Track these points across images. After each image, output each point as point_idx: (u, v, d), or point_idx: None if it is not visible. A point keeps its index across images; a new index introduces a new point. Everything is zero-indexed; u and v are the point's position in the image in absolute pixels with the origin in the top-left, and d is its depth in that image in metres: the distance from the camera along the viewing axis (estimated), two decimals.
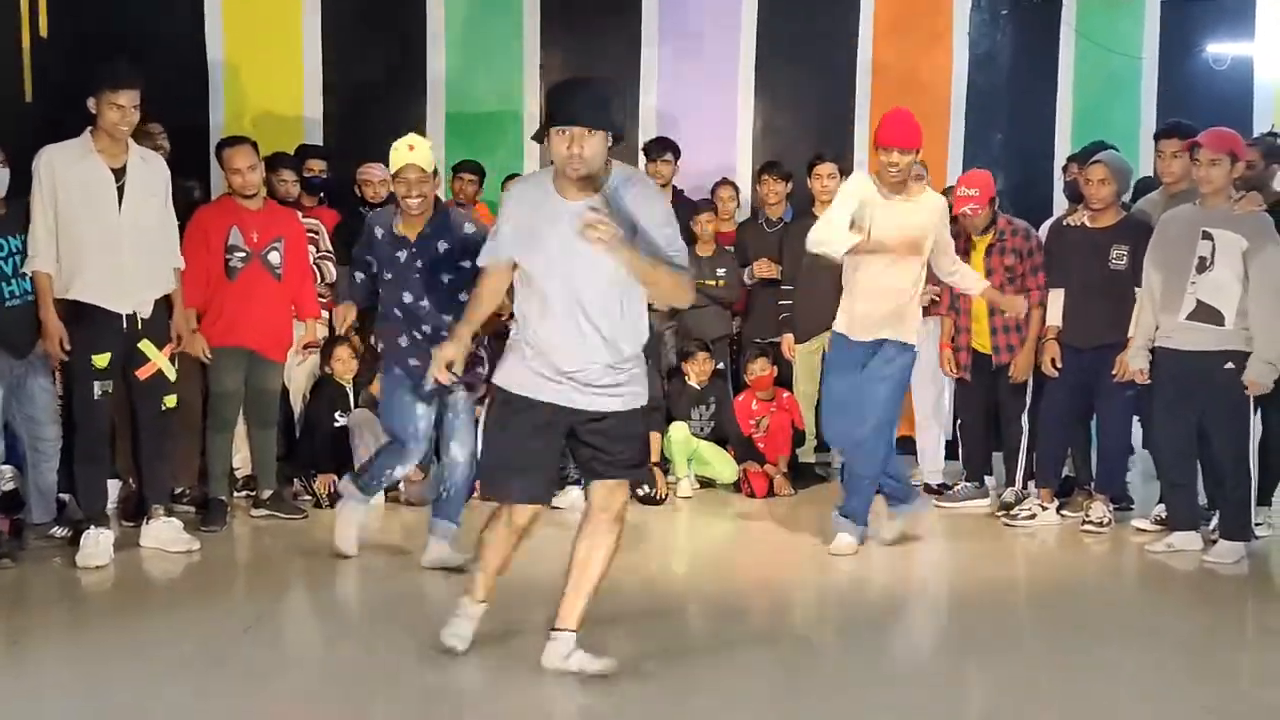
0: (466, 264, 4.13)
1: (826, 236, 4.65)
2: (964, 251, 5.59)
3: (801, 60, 7.35)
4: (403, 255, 4.32)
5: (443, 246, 4.29)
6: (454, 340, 3.38)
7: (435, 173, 4.33)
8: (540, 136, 3.24)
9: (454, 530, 4.51)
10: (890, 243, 4.61)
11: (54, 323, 4.43)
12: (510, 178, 6.50)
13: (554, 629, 3.35)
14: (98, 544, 4.47)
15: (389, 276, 4.37)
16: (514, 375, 3.31)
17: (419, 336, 4.33)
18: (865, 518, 4.89)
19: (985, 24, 7.48)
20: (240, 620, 3.91)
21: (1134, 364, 4.92)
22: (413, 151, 4.25)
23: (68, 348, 4.46)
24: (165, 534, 4.67)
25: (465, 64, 7.24)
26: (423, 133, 7.22)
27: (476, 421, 4.39)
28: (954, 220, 5.54)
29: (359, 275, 4.60)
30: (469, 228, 4.32)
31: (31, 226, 4.43)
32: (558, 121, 3.12)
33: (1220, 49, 7.42)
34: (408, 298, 4.32)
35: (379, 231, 4.40)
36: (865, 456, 4.77)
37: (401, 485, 5.83)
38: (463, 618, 3.51)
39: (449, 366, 3.32)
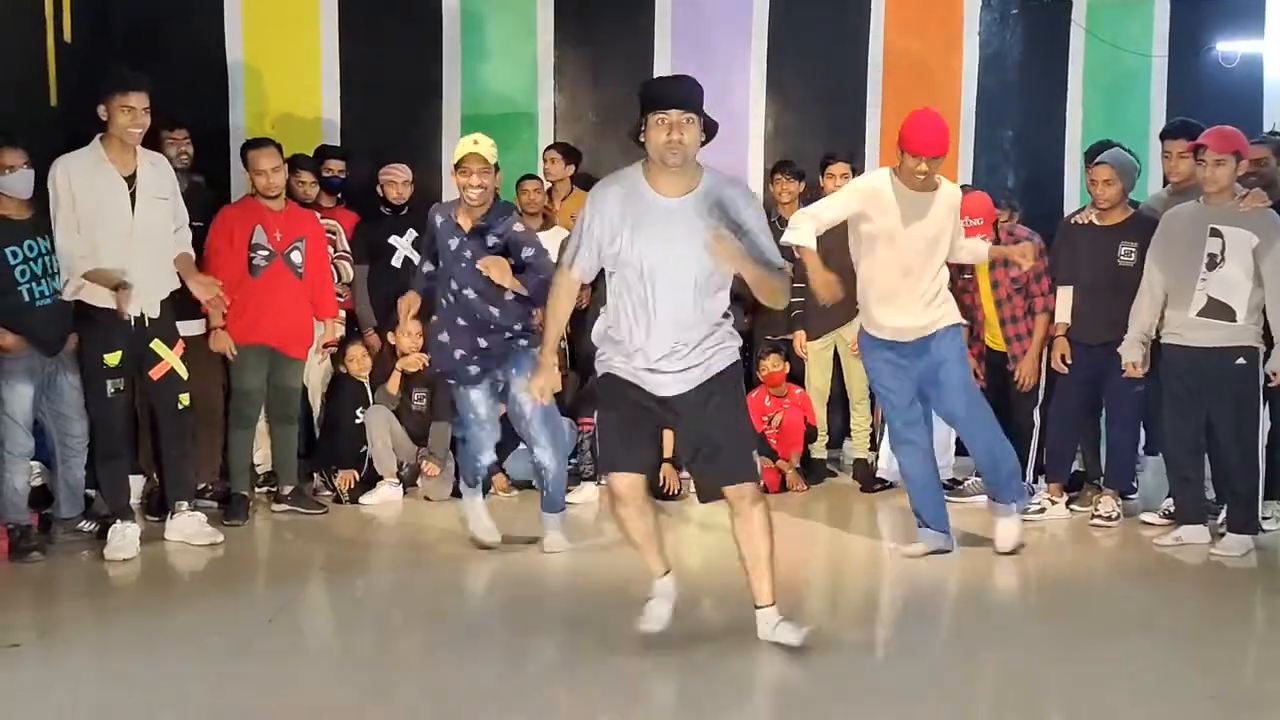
0: (512, 261, 4.42)
1: (798, 223, 4.56)
2: (968, 269, 5.67)
3: (813, 60, 7.39)
4: (454, 243, 4.51)
5: (492, 240, 4.47)
6: (545, 369, 3.57)
7: (497, 167, 4.55)
8: (636, 131, 3.33)
9: (563, 516, 4.83)
10: (906, 248, 4.53)
11: (114, 280, 4.51)
12: (526, 178, 6.59)
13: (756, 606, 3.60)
14: (124, 537, 4.57)
15: (441, 264, 4.58)
16: (614, 364, 3.50)
17: (463, 324, 4.52)
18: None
19: (995, 23, 7.52)
20: (263, 612, 4.00)
21: (1128, 355, 4.96)
22: (477, 145, 4.49)
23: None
24: (190, 527, 4.77)
25: (481, 66, 7.32)
26: (439, 134, 7.36)
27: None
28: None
29: (428, 266, 4.74)
30: (518, 227, 4.54)
31: (59, 245, 4.51)
32: (659, 107, 3.22)
33: (1230, 47, 7.43)
34: (454, 285, 4.50)
35: (439, 219, 4.58)
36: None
37: (420, 481, 5.93)
38: (657, 598, 3.66)
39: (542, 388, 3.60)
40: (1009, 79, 7.52)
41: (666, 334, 3.39)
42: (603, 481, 6.04)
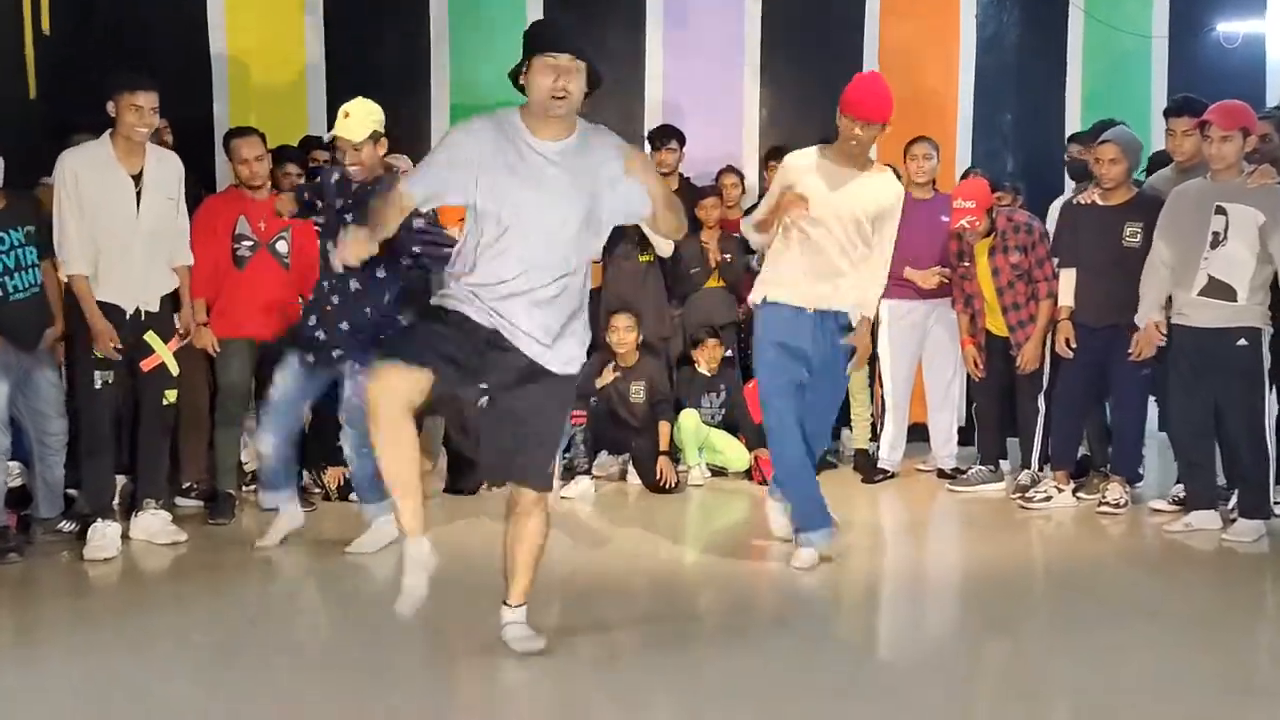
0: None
1: (748, 234, 4.52)
2: (967, 256, 5.57)
3: (807, 45, 7.28)
4: (340, 202, 4.34)
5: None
6: (356, 238, 3.15)
7: (377, 138, 4.33)
8: (516, 73, 3.04)
9: (381, 506, 4.44)
10: (828, 220, 4.14)
11: (101, 323, 4.47)
12: None
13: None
14: (105, 536, 4.45)
15: (323, 221, 4.39)
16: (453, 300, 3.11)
17: (336, 301, 4.35)
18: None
19: (992, 5, 7.41)
20: (247, 612, 3.87)
21: (1152, 317, 4.80)
22: (347, 118, 4.31)
23: (119, 346, 4.50)
24: (153, 525, 4.66)
25: (469, 54, 7.20)
26: (427, 124, 7.24)
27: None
28: (955, 236, 5.53)
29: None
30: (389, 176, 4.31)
31: (60, 232, 4.45)
32: (545, 49, 2.94)
33: (1231, 27, 7.34)
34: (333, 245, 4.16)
35: (334, 175, 4.42)
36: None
37: None
38: (413, 563, 3.16)
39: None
40: (1007, 62, 7.41)
41: (519, 287, 3.05)
42: (596, 473, 6.00)
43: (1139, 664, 3.38)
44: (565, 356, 3.16)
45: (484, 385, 3.14)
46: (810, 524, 4.29)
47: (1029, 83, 7.37)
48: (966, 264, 5.60)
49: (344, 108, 4.34)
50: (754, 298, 4.34)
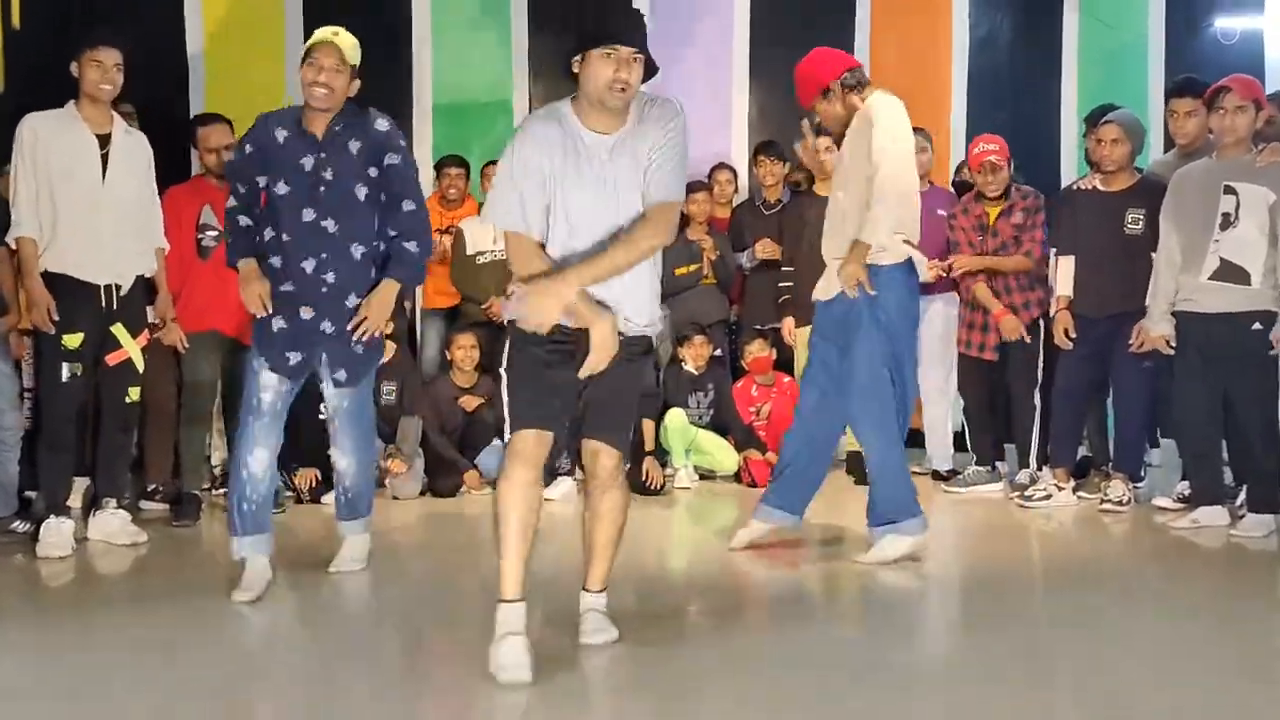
0: (375, 173, 3.59)
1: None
2: (981, 215, 5.40)
3: (797, 42, 7.09)
4: (309, 161, 3.54)
5: (355, 145, 3.58)
6: (565, 280, 2.86)
7: (355, 72, 3.60)
8: (569, 63, 2.87)
9: (366, 522, 4.02)
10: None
11: (40, 291, 4.23)
12: (489, 163, 6.30)
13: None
14: (59, 533, 4.24)
15: (285, 190, 3.55)
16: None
17: (308, 274, 3.56)
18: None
19: (985, 4, 7.29)
20: (201, 614, 3.65)
21: (1156, 330, 4.66)
22: (337, 36, 3.58)
23: (55, 318, 4.24)
24: (112, 525, 4.45)
25: (453, 53, 7.08)
26: (409, 124, 7.09)
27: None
28: (969, 184, 5.38)
29: (241, 219, 3.70)
30: (382, 124, 3.65)
31: (13, 194, 4.28)
32: (609, 41, 2.79)
33: (1229, 23, 7.23)
34: (309, 215, 3.54)
35: (280, 133, 3.56)
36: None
37: (387, 480, 5.61)
38: (511, 638, 2.91)
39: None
40: (1000, 60, 7.30)
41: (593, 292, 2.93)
42: (580, 476, 5.79)
43: (1147, 657, 3.18)
44: (640, 319, 3.02)
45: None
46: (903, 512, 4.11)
47: (1024, 80, 7.26)
48: (981, 237, 5.42)
49: (332, 28, 3.64)
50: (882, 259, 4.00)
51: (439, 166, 6.38)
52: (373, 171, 3.62)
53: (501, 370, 3.07)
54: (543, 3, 7.08)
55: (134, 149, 4.46)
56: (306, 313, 3.62)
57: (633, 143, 2.92)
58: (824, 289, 4.17)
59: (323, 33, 3.63)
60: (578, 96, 2.92)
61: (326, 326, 3.64)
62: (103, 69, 4.26)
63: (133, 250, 4.44)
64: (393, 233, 3.68)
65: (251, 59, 6.97)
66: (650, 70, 2.91)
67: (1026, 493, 5.13)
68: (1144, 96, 7.12)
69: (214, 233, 4.96)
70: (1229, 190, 4.41)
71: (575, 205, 2.91)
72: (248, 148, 3.69)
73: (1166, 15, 7.26)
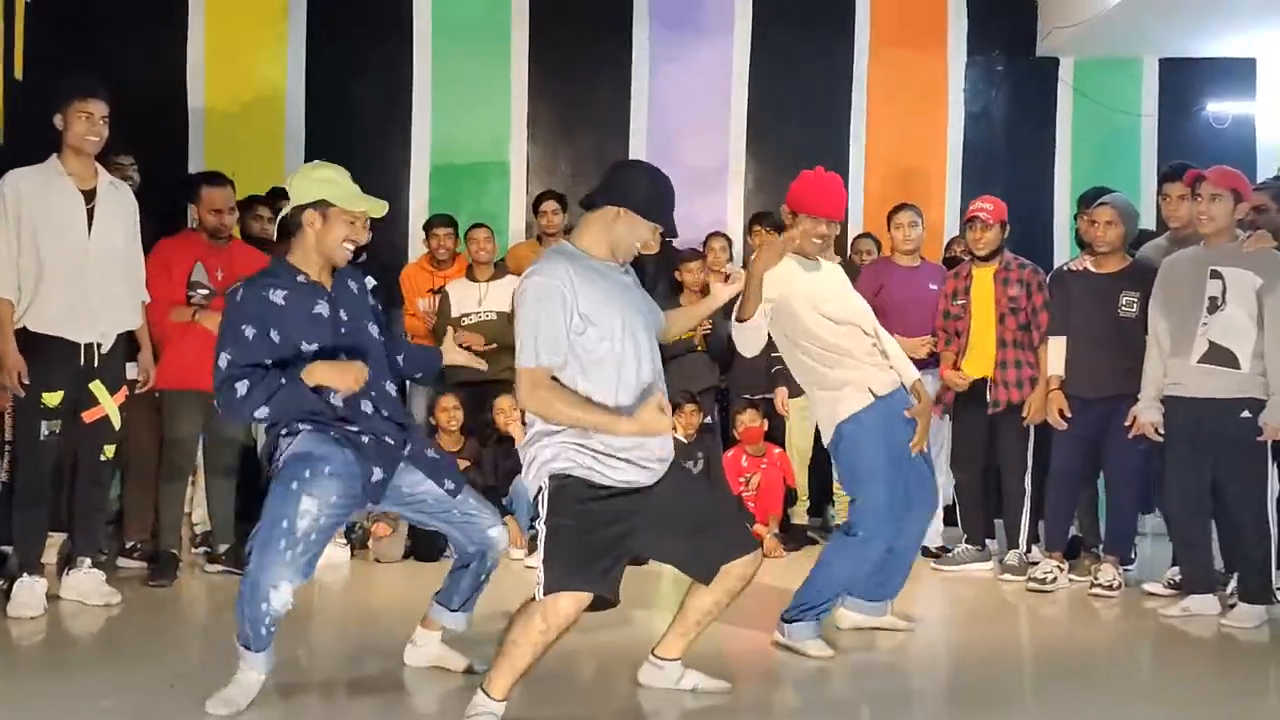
0: (373, 303, 3.51)
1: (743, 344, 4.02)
2: (966, 278, 5.38)
3: (795, 116, 7.24)
4: (324, 309, 3.30)
5: (354, 285, 3.43)
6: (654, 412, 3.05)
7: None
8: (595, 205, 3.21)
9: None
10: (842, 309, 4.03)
11: (13, 355, 4.16)
12: (475, 227, 6.28)
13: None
14: (31, 593, 4.17)
15: (312, 348, 3.24)
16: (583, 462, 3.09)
17: (369, 414, 3.32)
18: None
19: (981, 81, 7.39)
20: (173, 678, 3.57)
21: (1145, 417, 4.65)
22: (381, 209, 3.40)
23: (26, 381, 4.18)
24: (86, 585, 4.37)
25: (451, 112, 7.13)
26: (407, 182, 7.12)
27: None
28: (959, 237, 5.39)
29: (241, 386, 3.20)
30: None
31: None
32: (661, 224, 3.20)
33: (1221, 108, 7.32)
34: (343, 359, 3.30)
35: (278, 295, 3.24)
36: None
37: (370, 543, 5.54)
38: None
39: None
40: (995, 136, 7.38)
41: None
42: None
43: None
44: (668, 446, 3.23)
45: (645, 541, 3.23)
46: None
47: (1018, 158, 7.33)
48: (960, 301, 5.39)
49: (350, 181, 3.39)
50: (844, 412, 3.98)
51: (428, 227, 6.33)
52: (372, 302, 3.53)
53: (542, 523, 3.09)
54: (544, 67, 7.15)
55: (119, 202, 4.40)
56: (389, 439, 3.36)
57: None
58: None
59: (356, 190, 3.34)
60: (579, 236, 3.23)
61: (407, 448, 3.41)
62: (91, 121, 4.20)
63: (118, 304, 4.39)
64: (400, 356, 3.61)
65: (252, 114, 7.02)
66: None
67: (1038, 577, 5.03)
68: (1136, 178, 7.18)
69: (204, 291, 4.92)
70: (1215, 275, 4.43)
71: (608, 324, 3.11)
72: (247, 330, 3.21)
73: (1159, 98, 7.35)
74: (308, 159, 6.82)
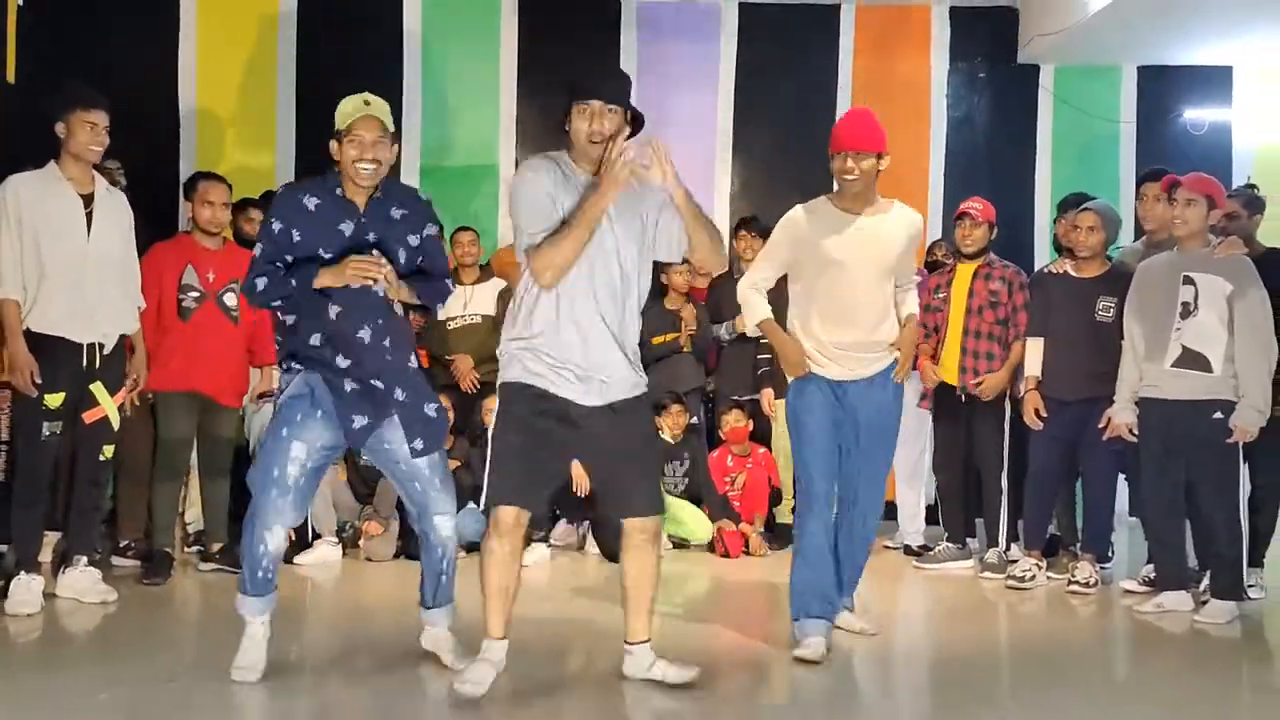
0: (415, 241, 3.51)
1: (747, 301, 4.13)
2: (950, 273, 5.49)
3: (778, 120, 7.33)
4: (348, 227, 3.41)
5: (398, 212, 3.49)
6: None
7: (394, 140, 3.49)
8: (562, 120, 3.29)
9: (452, 609, 3.75)
10: (854, 265, 3.91)
11: (24, 354, 4.24)
12: (460, 230, 6.35)
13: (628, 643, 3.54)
14: (29, 590, 4.23)
15: (329, 257, 3.38)
16: (525, 370, 3.31)
17: (367, 343, 3.40)
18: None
19: (964, 87, 7.50)
20: (168, 675, 3.64)
21: (1120, 418, 4.77)
22: (369, 105, 3.42)
23: (38, 380, 4.26)
24: (82, 583, 4.43)
25: (441, 117, 7.21)
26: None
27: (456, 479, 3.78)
28: (940, 241, 5.47)
29: (260, 280, 3.41)
30: (423, 195, 3.69)
31: None
32: (582, 96, 3.21)
33: (1198, 114, 7.45)
34: (353, 284, 3.38)
35: (310, 201, 3.40)
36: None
37: (362, 541, 5.61)
38: (483, 661, 3.34)
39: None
40: (977, 142, 7.48)
41: (595, 325, 3.29)
42: (554, 541, 5.82)
43: None
44: (629, 381, 3.35)
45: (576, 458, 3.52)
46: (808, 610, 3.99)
47: (999, 165, 7.43)
48: (941, 295, 5.50)
49: (360, 95, 3.48)
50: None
51: None
52: (413, 239, 3.53)
53: (490, 435, 3.33)
54: (532, 69, 7.23)
55: (116, 207, 4.49)
56: (378, 383, 3.44)
57: (624, 197, 3.27)
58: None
59: (356, 105, 3.43)
60: (570, 149, 3.33)
61: (399, 394, 3.47)
62: (95, 131, 4.30)
63: (117, 308, 4.46)
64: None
65: (243, 117, 7.08)
66: (638, 123, 3.32)
67: (1017, 575, 5.14)
68: (1115, 183, 7.31)
69: (195, 294, 4.98)
70: (1188, 280, 4.54)
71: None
72: (275, 225, 3.41)
73: (1138, 105, 7.47)
74: (298, 162, 7.00)
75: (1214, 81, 7.44)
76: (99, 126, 4.31)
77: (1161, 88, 7.44)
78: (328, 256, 3.40)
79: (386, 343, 3.46)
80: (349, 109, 3.44)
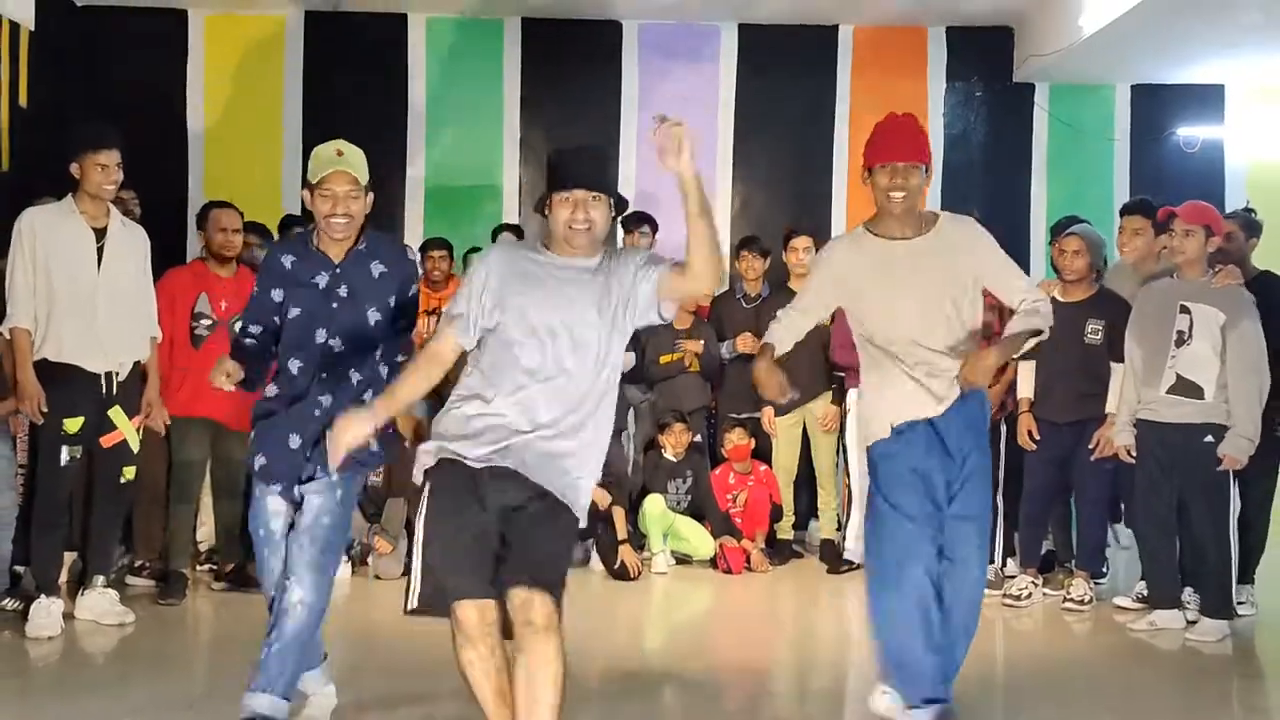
0: (394, 302, 3.36)
1: (777, 335, 3.67)
2: None
3: (779, 138, 7.44)
4: (323, 280, 3.32)
5: (379, 269, 3.34)
6: (368, 414, 2.91)
7: (368, 190, 3.31)
8: (541, 206, 2.95)
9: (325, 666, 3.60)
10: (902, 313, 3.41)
11: (32, 383, 4.35)
12: (472, 251, 6.48)
13: None
14: (49, 614, 4.33)
15: (295, 313, 3.32)
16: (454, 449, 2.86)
17: (316, 396, 3.29)
18: None
19: (960, 105, 7.60)
20: (190, 696, 3.75)
21: (1119, 440, 4.86)
22: (341, 157, 3.25)
23: (44, 409, 4.37)
24: (100, 605, 4.53)
25: (446, 138, 7.32)
26: (402, 207, 7.31)
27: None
28: None
29: (254, 328, 3.40)
30: (411, 255, 3.54)
31: (9, 285, 4.40)
32: (563, 186, 2.86)
33: (1191, 132, 7.55)
34: (320, 336, 3.30)
35: (287, 260, 3.36)
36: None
37: (370, 559, 5.71)
38: None
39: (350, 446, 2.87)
40: (973, 159, 7.58)
41: (541, 405, 2.84)
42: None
43: None
44: (568, 494, 2.89)
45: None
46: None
47: (995, 181, 7.53)
48: None
49: (333, 144, 3.31)
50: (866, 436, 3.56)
51: (423, 249, 6.49)
52: (392, 300, 3.37)
53: (418, 522, 2.87)
54: (536, 91, 7.34)
55: (129, 241, 4.60)
56: (294, 441, 3.30)
57: (604, 275, 2.92)
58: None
59: (327, 155, 3.27)
60: (547, 239, 2.98)
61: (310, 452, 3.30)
62: (107, 171, 4.41)
63: (128, 339, 4.57)
64: (400, 358, 3.46)
65: (251, 140, 7.18)
66: (621, 206, 2.97)
67: (1013, 593, 5.23)
68: (1109, 200, 7.38)
69: (208, 322, 5.09)
70: (1184, 310, 4.65)
71: (537, 318, 2.86)
72: (258, 289, 3.41)
73: (1131, 123, 7.58)
74: (304, 184, 7.09)
75: (1206, 100, 7.55)
76: (110, 166, 4.41)
77: (1154, 106, 7.54)
78: (296, 312, 3.32)
79: (324, 400, 3.31)
80: (321, 159, 3.28)
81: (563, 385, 2.85)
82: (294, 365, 3.33)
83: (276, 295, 3.37)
